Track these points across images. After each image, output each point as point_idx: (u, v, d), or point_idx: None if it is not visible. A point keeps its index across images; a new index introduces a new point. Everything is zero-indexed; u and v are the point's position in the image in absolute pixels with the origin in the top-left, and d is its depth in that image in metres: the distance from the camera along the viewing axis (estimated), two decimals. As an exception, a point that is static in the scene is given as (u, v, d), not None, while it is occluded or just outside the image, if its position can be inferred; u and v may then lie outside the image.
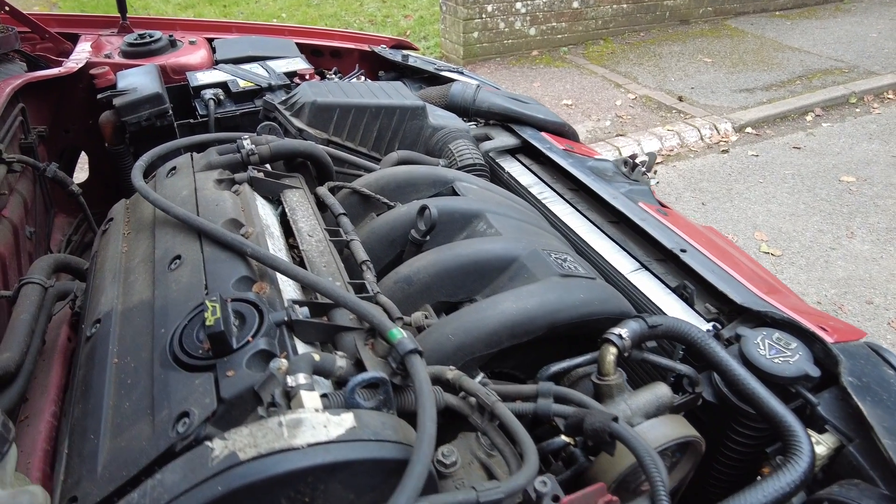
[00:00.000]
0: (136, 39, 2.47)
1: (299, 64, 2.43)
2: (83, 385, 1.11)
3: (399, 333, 0.94)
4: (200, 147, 1.68)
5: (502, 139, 2.31)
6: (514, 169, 2.22)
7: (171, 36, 2.53)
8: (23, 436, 1.37)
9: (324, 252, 1.28)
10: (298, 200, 1.46)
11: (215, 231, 1.19)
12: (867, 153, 5.72)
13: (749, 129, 6.26)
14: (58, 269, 1.69)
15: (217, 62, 2.46)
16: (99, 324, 1.20)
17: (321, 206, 1.54)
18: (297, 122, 1.83)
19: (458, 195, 1.61)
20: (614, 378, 1.14)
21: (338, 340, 1.06)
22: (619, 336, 1.15)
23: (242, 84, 2.18)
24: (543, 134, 2.31)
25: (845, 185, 5.21)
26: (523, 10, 7.67)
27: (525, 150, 2.34)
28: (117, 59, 2.40)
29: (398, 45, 3.11)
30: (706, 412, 1.31)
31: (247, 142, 1.52)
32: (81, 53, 2.38)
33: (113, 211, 1.58)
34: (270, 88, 2.17)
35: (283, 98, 1.97)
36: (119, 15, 2.66)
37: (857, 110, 6.65)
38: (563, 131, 2.40)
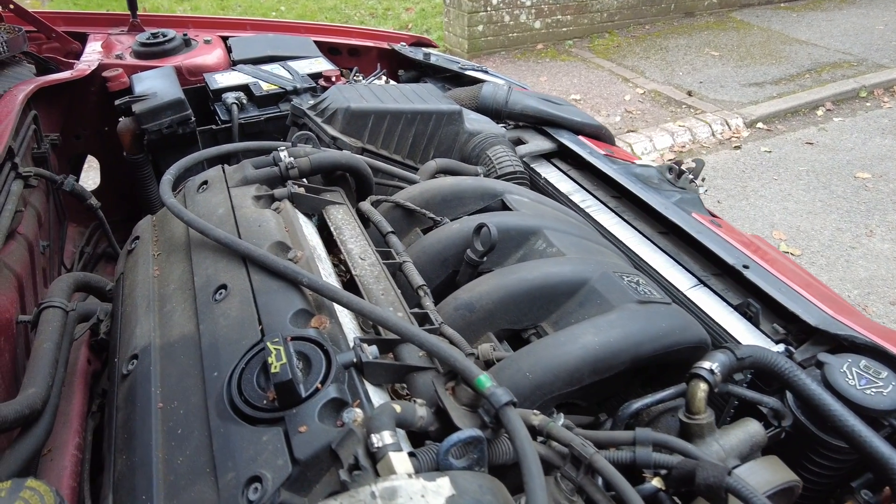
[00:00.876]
0: (148, 39, 2.34)
1: (323, 64, 2.30)
2: (125, 432, 1.01)
3: (488, 381, 0.84)
4: (226, 158, 1.57)
5: (537, 143, 2.20)
6: (552, 175, 2.12)
7: (185, 35, 2.40)
8: (46, 471, 1.27)
9: (379, 277, 1.17)
10: (343, 218, 1.35)
11: (264, 258, 1.08)
12: (881, 149, 5.64)
13: (760, 125, 6.17)
14: (78, 288, 1.58)
15: (234, 62, 2.34)
16: (136, 360, 1.10)
17: (364, 222, 1.43)
18: (330, 130, 1.72)
19: (508, 209, 1.50)
20: (705, 416, 1.05)
21: (410, 382, 0.96)
22: (710, 371, 1.06)
23: (265, 87, 2.06)
24: (581, 137, 2.20)
25: (861, 181, 5.14)
26: (528, 3, 7.54)
27: (560, 155, 2.23)
28: (130, 60, 2.27)
29: (418, 43, 2.99)
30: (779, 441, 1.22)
31: (284, 153, 1.41)
32: (92, 54, 2.25)
33: (138, 228, 1.47)
34: (296, 92, 2.05)
35: (312, 102, 1.86)
36: (129, 12, 2.52)
37: (868, 104, 6.57)
38: (599, 134, 2.29)
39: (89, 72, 2.08)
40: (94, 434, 1.62)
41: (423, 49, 2.89)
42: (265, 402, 0.86)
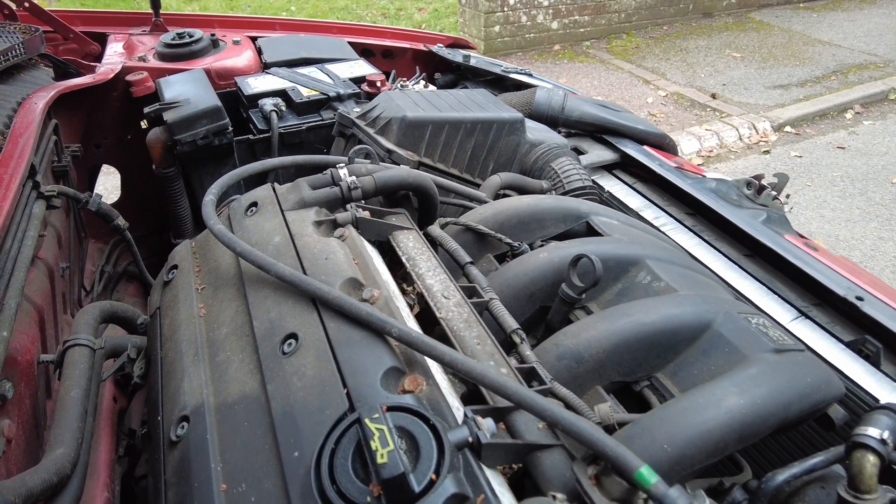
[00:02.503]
0: (174, 39, 2.15)
1: (364, 67, 2.12)
2: (179, 516, 0.83)
3: (652, 475, 0.67)
4: (263, 176, 1.40)
5: (598, 153, 2.02)
6: (617, 189, 1.94)
7: (212, 35, 2.22)
8: (74, 537, 1.10)
9: (470, 322, 0.99)
10: (416, 246, 1.17)
11: (341, 301, 0.90)
12: (916, 153, 5.46)
13: (788, 128, 5.98)
14: (105, 319, 1.40)
15: (266, 65, 2.16)
16: (187, 424, 0.92)
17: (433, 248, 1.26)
18: (384, 142, 1.54)
19: (595, 233, 1.32)
20: (877, 497, 0.87)
21: (535, 464, 0.78)
22: (882, 441, 0.88)
23: (306, 92, 1.88)
24: (646, 148, 2.02)
25: (899, 187, 4.95)
26: (546, 3, 7.36)
27: (621, 166, 2.06)
28: (154, 62, 2.09)
29: (455, 45, 2.81)
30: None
31: (343, 171, 1.24)
32: (114, 56, 2.07)
33: (176, 256, 1.29)
34: (339, 98, 1.87)
35: (360, 110, 1.68)
36: (151, 11, 2.34)
37: (898, 107, 6.38)
38: (663, 144, 2.11)
39: (112, 75, 1.90)
40: (121, 482, 1.44)
41: (461, 51, 2.71)
42: (368, 498, 0.68)
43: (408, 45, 2.66)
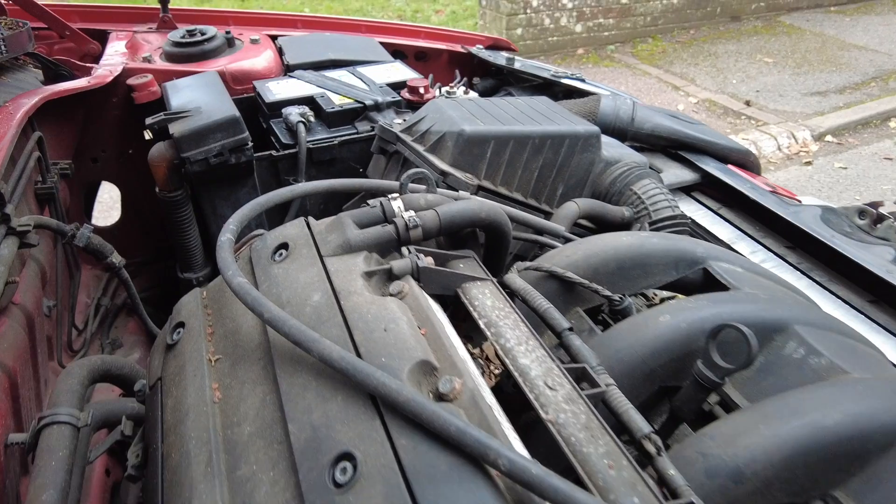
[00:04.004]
0: (183, 37, 1.87)
1: (403, 71, 1.84)
2: None
3: None
4: (287, 204, 1.12)
5: (675, 172, 1.74)
6: (700, 215, 1.65)
7: (227, 32, 1.94)
8: None
9: (591, 429, 0.71)
10: (496, 306, 0.89)
11: (422, 410, 0.62)
12: (969, 165, 5.13)
13: (829, 138, 5.66)
14: (95, 380, 1.14)
15: (289, 67, 1.88)
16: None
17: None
18: (437, 162, 1.26)
19: (718, 284, 1.04)
20: None
21: None
22: None
23: (337, 100, 1.60)
24: (729, 166, 1.74)
25: (954, 202, 4.62)
26: (570, 6, 7.08)
27: (699, 187, 1.77)
28: (160, 63, 1.81)
29: (494, 46, 2.53)
30: None
31: (398, 205, 0.96)
32: (114, 56, 1.80)
33: (182, 310, 1.01)
34: (377, 107, 1.58)
35: (403, 122, 1.40)
36: (158, 6, 2.07)
37: (945, 116, 6.04)
38: (747, 162, 1.83)
39: (111, 78, 1.63)
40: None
41: (502, 53, 2.44)
42: None
43: (443, 46, 2.39)
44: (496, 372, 0.97)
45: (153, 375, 0.98)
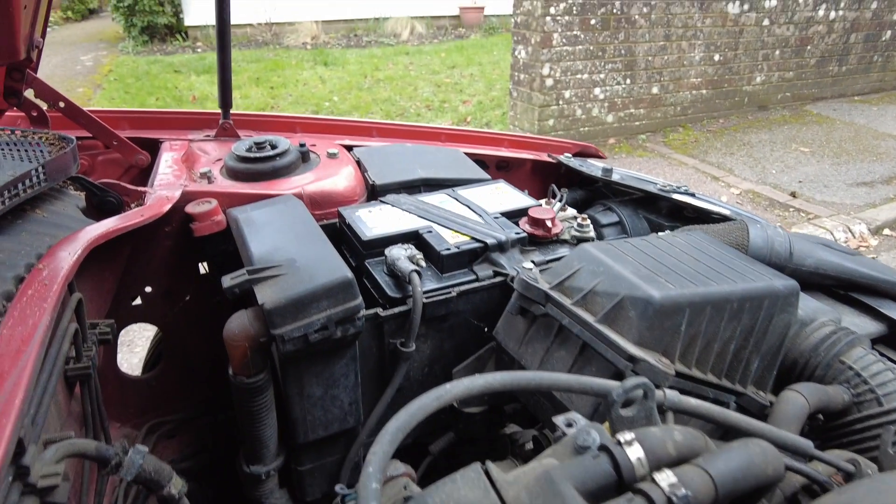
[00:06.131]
0: (250, 150, 1.60)
1: (513, 194, 1.51)
2: None
3: None
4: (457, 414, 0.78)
5: (853, 321, 1.40)
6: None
7: (302, 145, 1.67)
8: None
9: None
10: None
11: None
12: None
13: (887, 231, 5.38)
14: None
15: (375, 188, 1.58)
16: None
17: None
18: (620, 341, 0.93)
19: None
20: None
21: None
22: None
23: (451, 238, 1.27)
24: (926, 315, 1.40)
25: None
26: (601, 97, 7.04)
27: (885, 340, 1.42)
28: (224, 183, 1.52)
29: (581, 153, 2.28)
30: None
31: (635, 454, 0.62)
32: (169, 175, 1.52)
33: None
34: (500, 247, 1.28)
35: (548, 274, 1.09)
36: (219, 111, 1.82)
37: None
38: (937, 305, 1.48)
39: (169, 206, 1.34)
40: None
41: (594, 162, 2.18)
42: None
43: (528, 156, 2.13)
44: None
45: None
